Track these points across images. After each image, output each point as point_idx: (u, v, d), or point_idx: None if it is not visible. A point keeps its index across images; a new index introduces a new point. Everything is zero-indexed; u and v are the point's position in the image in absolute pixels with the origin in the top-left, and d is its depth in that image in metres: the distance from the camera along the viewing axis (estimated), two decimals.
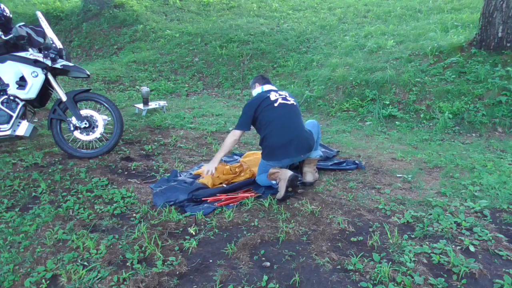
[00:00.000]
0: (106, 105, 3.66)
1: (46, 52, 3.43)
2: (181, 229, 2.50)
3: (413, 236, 2.39)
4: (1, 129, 3.39)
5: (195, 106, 5.97)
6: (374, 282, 1.96)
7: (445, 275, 2.01)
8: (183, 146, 4.09)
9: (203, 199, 2.85)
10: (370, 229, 2.47)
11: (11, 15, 3.52)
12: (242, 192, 2.99)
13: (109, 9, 9.85)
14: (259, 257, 2.20)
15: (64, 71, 3.56)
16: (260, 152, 3.19)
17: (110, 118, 3.76)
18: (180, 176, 3.27)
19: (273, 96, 3.09)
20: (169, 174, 3.33)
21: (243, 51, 7.74)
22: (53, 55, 3.41)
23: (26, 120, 3.52)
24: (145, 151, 3.92)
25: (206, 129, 4.70)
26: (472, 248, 2.24)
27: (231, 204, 2.79)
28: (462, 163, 3.58)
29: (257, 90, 3.27)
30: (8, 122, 3.40)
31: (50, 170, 3.35)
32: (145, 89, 5.34)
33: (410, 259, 2.13)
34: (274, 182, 2.97)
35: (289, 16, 9.43)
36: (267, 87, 3.26)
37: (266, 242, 2.34)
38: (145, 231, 2.41)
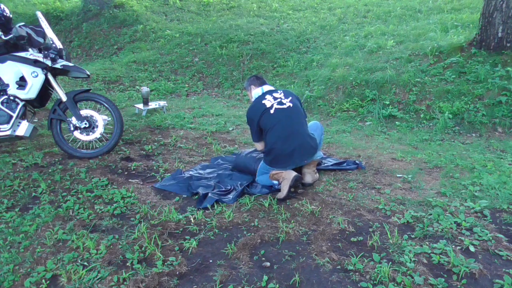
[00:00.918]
0: (106, 105, 3.67)
1: (46, 52, 3.43)
2: (181, 229, 2.50)
3: (413, 236, 2.39)
4: (1, 129, 3.39)
5: (195, 106, 5.97)
6: (374, 282, 1.96)
7: (445, 275, 2.01)
8: (183, 146, 4.09)
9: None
10: (370, 229, 2.47)
11: (11, 15, 3.52)
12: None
13: (109, 9, 9.85)
14: (259, 257, 2.20)
15: (64, 71, 3.56)
16: None
17: (110, 118, 3.76)
18: (185, 174, 3.31)
19: (268, 102, 3.00)
20: (169, 174, 3.34)
21: (243, 51, 7.74)
22: (53, 55, 3.42)
23: (26, 120, 3.52)
24: (145, 151, 3.92)
25: (206, 129, 4.70)
26: (472, 248, 2.24)
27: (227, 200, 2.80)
28: (462, 163, 3.58)
29: (256, 92, 3.18)
30: (8, 122, 3.40)
31: (50, 170, 3.35)
32: (145, 89, 5.34)
33: (410, 259, 2.13)
34: (276, 182, 2.97)
35: (289, 16, 9.43)
36: (266, 87, 3.18)
37: (266, 242, 2.35)
38: (145, 231, 2.41)
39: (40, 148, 3.86)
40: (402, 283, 1.94)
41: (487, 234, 2.37)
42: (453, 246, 2.26)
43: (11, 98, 3.41)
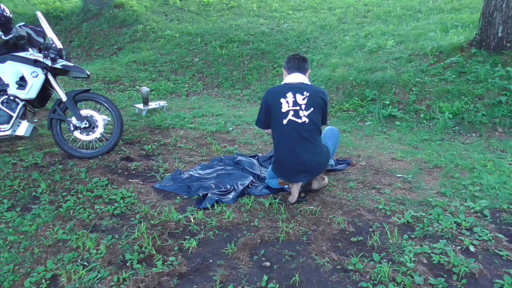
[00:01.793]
0: (106, 105, 3.66)
1: (46, 52, 3.43)
2: (181, 229, 2.50)
3: (413, 236, 2.39)
4: (1, 129, 3.39)
5: (195, 106, 5.96)
6: (374, 282, 1.96)
7: (445, 275, 2.01)
8: (183, 146, 4.09)
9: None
10: (370, 229, 2.47)
11: (11, 15, 3.52)
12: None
13: (109, 9, 9.85)
14: (259, 257, 2.20)
15: (64, 71, 3.56)
16: None
17: (110, 118, 3.76)
18: (184, 175, 3.31)
19: (285, 106, 2.67)
20: (169, 174, 3.34)
21: (243, 51, 7.74)
22: (53, 55, 3.42)
23: (26, 120, 3.52)
24: (145, 151, 3.92)
25: (206, 129, 4.70)
26: (472, 248, 2.24)
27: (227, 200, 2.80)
28: (462, 163, 3.58)
29: (284, 78, 2.87)
30: (8, 122, 3.40)
31: (50, 170, 3.35)
32: (145, 89, 5.34)
33: (410, 259, 2.13)
34: (286, 186, 2.96)
35: (289, 16, 9.43)
36: (292, 77, 2.79)
37: (266, 242, 2.35)
38: (145, 231, 2.41)
39: (40, 148, 3.86)
40: (402, 283, 1.94)
41: (487, 234, 2.37)
42: (453, 246, 2.26)
43: (11, 98, 3.41)
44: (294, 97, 2.68)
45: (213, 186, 3.06)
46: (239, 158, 3.63)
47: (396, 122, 5.11)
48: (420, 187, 3.12)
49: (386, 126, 5.07)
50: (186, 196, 2.97)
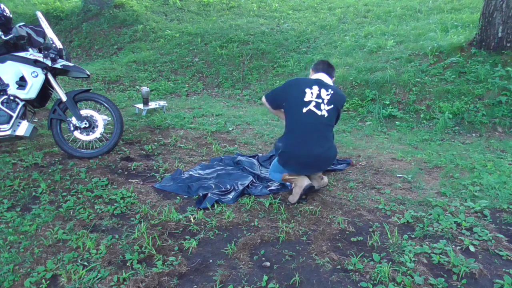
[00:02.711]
0: (106, 105, 3.66)
1: (46, 52, 3.43)
2: (181, 229, 2.50)
3: (413, 236, 2.39)
4: (1, 129, 3.39)
5: (195, 106, 5.96)
6: (374, 282, 1.96)
7: (445, 275, 2.01)
8: (183, 146, 4.09)
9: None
10: (370, 229, 2.47)
11: (11, 15, 3.52)
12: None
13: (109, 9, 9.85)
14: (259, 257, 2.20)
15: (64, 71, 3.56)
16: None
17: (110, 118, 3.76)
18: (184, 175, 3.31)
19: (308, 96, 2.74)
20: (169, 174, 3.34)
21: (243, 51, 7.74)
22: (53, 55, 3.41)
23: (26, 120, 3.52)
24: (145, 151, 3.92)
25: (206, 129, 4.69)
26: (472, 248, 2.24)
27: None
28: (462, 163, 3.58)
29: (311, 76, 3.01)
30: (8, 122, 3.40)
31: (50, 170, 3.35)
32: (145, 89, 5.34)
33: (410, 259, 2.13)
34: (288, 183, 2.96)
35: (289, 16, 9.43)
36: (318, 75, 2.92)
37: (266, 242, 2.35)
38: (145, 231, 2.41)
39: (40, 148, 3.86)
40: (402, 283, 1.94)
41: (487, 234, 2.37)
42: (453, 246, 2.26)
43: (11, 98, 3.41)
44: (319, 90, 2.77)
45: (213, 186, 3.06)
46: (239, 158, 3.63)
47: (396, 122, 5.11)
48: (420, 187, 3.12)
49: (386, 126, 5.07)
50: (186, 196, 2.97)
